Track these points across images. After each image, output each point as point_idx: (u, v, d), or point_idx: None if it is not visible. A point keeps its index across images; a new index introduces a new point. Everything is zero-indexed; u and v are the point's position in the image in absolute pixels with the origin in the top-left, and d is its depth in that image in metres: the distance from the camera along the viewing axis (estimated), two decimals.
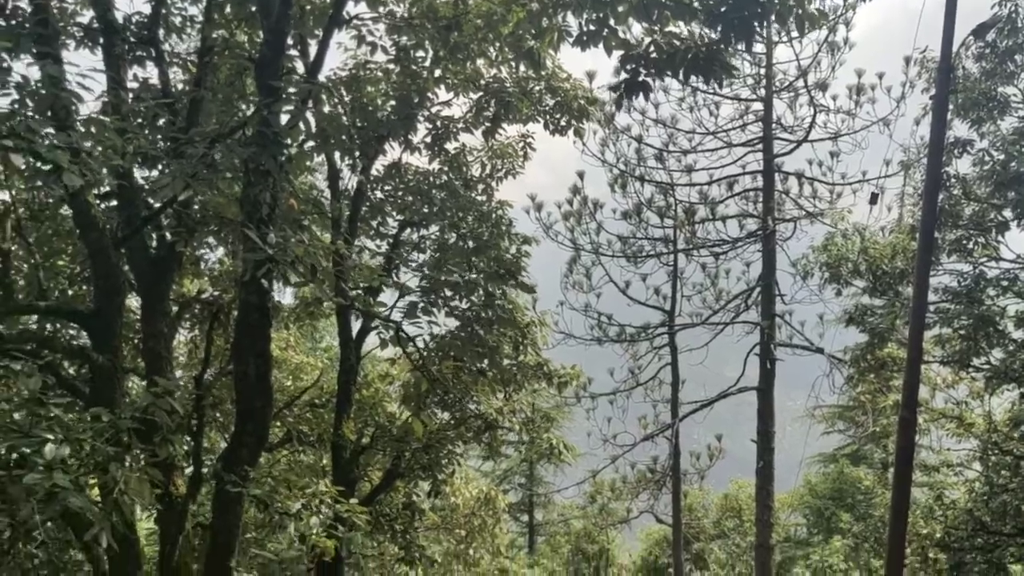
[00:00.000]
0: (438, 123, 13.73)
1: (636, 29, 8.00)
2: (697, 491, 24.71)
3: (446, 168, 13.95)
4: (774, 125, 17.36)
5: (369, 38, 11.96)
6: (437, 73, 12.67)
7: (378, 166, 13.93)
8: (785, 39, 16.13)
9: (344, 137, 12.33)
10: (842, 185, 17.37)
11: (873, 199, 16.22)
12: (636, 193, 18.69)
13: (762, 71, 17.18)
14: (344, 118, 12.50)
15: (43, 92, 6.68)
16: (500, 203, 13.71)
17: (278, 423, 11.93)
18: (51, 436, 5.42)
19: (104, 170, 6.85)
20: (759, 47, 16.85)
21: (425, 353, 10.17)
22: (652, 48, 7.76)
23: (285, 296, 14.98)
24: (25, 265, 9.63)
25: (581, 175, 18.37)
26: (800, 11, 7.77)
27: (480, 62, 12.89)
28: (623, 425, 19.69)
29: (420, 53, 12.42)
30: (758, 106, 17.60)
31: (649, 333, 20.01)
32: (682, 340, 20.46)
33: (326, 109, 12.25)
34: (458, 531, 15.33)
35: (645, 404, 20.55)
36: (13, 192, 9.19)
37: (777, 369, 17.81)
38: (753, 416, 17.58)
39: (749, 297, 19.05)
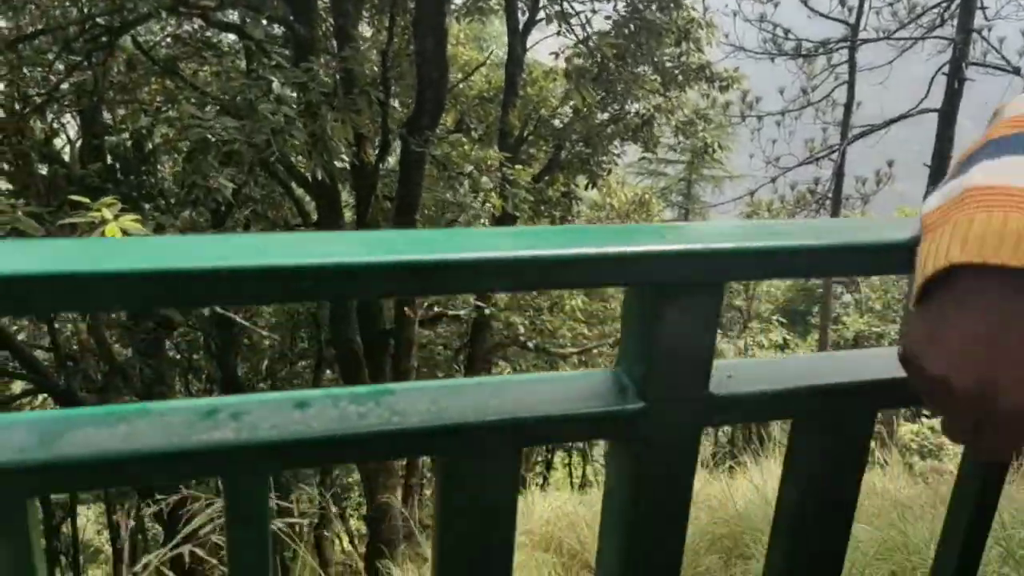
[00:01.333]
0: None
1: None
2: (858, 216, 24.35)
3: None
4: None
5: None
6: None
7: None
8: None
9: None
10: None
11: None
12: None
13: None
14: None
15: None
16: None
17: (451, 105, 12.83)
18: (274, 79, 6.47)
19: None
20: None
21: (590, 32, 10.43)
22: None
23: None
24: None
25: None
26: None
27: None
28: (788, 147, 19.42)
29: None
30: None
31: (829, 48, 19.01)
32: (864, 58, 19.30)
33: None
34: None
35: (814, 127, 19.96)
36: None
37: (966, 94, 16.65)
38: (931, 149, 16.78)
39: (947, 10, 17.47)
